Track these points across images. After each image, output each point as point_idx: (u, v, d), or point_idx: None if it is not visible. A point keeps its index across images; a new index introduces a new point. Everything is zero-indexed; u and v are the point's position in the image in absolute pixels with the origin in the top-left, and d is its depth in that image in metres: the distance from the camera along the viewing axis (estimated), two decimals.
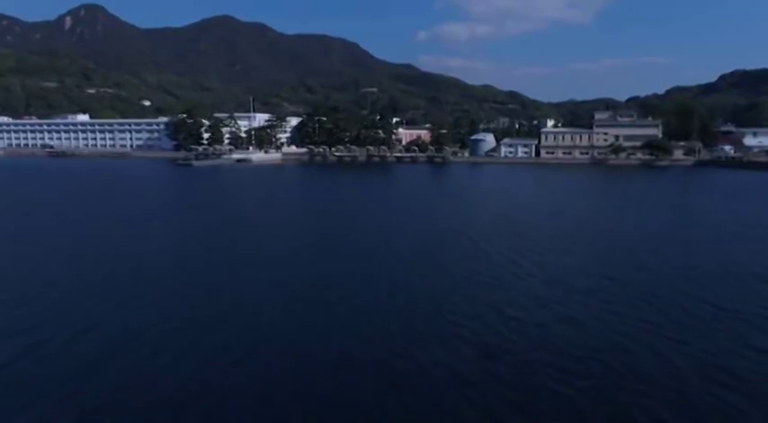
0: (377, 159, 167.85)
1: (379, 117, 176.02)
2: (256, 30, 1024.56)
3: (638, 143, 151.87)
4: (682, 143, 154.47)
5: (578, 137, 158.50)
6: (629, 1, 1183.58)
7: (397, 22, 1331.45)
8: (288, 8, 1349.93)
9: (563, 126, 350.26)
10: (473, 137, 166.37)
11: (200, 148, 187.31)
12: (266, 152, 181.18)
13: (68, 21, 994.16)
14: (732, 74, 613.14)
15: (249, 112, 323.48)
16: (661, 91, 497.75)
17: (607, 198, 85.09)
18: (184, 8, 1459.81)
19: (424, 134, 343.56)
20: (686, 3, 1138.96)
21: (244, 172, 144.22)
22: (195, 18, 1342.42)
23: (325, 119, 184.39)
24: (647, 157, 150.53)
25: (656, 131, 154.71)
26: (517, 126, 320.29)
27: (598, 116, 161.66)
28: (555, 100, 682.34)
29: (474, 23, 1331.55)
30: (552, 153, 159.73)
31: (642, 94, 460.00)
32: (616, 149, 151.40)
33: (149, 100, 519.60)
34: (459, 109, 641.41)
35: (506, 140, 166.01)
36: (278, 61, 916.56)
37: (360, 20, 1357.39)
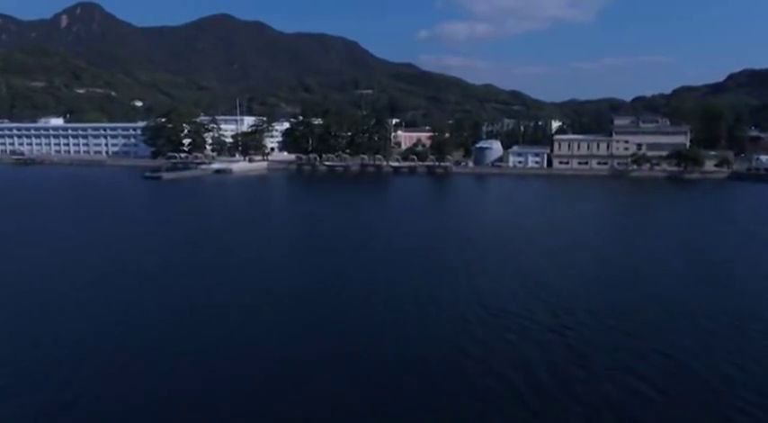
0: (372, 169, 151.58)
1: (374, 122, 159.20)
2: (255, 28, 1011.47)
3: (664, 152, 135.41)
4: (712, 152, 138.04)
5: (595, 145, 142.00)
6: (630, 0, 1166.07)
7: (398, 21, 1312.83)
8: (287, 6, 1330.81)
9: (569, 127, 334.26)
10: (478, 145, 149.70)
11: (180, 155, 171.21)
12: (250, 161, 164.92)
13: (65, 19, 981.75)
14: (740, 73, 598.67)
15: (240, 113, 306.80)
16: (664, 90, 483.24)
17: (642, 232, 69.34)
18: (182, 6, 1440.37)
19: (425, 137, 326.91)
20: (687, 2, 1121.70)
21: (220, 185, 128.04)
22: (193, 17, 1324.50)
23: (316, 123, 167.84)
24: (674, 168, 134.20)
25: (684, 139, 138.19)
26: (522, 129, 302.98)
27: (618, 122, 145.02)
28: (556, 99, 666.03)
29: (475, 22, 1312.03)
30: (566, 163, 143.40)
31: (647, 93, 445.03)
32: (639, 160, 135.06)
33: (141, 100, 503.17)
34: (460, 109, 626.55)
35: (515, 149, 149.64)
36: (276, 60, 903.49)
37: (360, 19, 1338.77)
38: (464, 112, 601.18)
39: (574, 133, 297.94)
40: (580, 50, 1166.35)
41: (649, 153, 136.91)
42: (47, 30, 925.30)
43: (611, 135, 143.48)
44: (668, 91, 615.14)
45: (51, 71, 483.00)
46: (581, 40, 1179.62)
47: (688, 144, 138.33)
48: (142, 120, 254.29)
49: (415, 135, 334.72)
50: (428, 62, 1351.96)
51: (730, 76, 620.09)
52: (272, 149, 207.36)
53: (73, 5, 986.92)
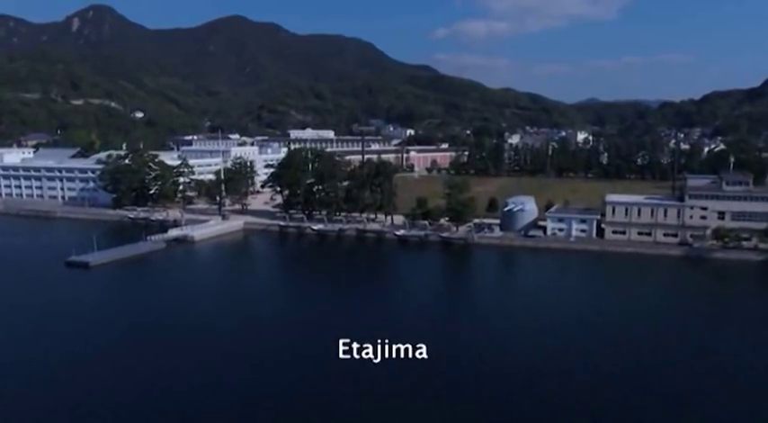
0: (371, 235, 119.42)
1: (375, 174, 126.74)
2: (268, 30, 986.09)
3: (759, 225, 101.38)
4: None
5: (662, 211, 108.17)
6: None
7: (416, 21, 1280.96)
8: (302, 7, 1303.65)
9: (594, 136, 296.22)
10: (508, 207, 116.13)
11: (140, 209, 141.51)
12: (224, 217, 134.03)
13: (76, 22, 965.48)
14: None
15: (236, 132, 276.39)
16: (689, 93, 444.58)
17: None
18: (196, 8, 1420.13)
19: (440, 158, 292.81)
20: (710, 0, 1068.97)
21: (175, 270, 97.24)
22: (206, 18, 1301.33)
23: (305, 170, 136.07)
24: None
25: None
26: (550, 152, 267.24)
27: (693, 182, 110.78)
28: (575, 99, 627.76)
29: (494, 20, 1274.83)
30: (622, 232, 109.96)
31: (669, 95, 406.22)
32: (723, 236, 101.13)
33: (143, 111, 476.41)
34: (478, 117, 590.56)
35: (554, 211, 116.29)
36: (289, 63, 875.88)
37: (377, 18, 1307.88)
38: (483, 120, 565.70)
39: (602, 148, 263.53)
40: (599, 49, 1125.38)
41: (735, 225, 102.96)
42: (58, 33, 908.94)
43: (682, 200, 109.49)
44: (696, 95, 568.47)
45: (48, 81, 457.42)
46: (600, 37, 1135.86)
47: None
48: (141, 134, 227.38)
49: (429, 156, 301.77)
50: (445, 62, 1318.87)
51: None
52: (262, 186, 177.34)
53: (85, 8, 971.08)
